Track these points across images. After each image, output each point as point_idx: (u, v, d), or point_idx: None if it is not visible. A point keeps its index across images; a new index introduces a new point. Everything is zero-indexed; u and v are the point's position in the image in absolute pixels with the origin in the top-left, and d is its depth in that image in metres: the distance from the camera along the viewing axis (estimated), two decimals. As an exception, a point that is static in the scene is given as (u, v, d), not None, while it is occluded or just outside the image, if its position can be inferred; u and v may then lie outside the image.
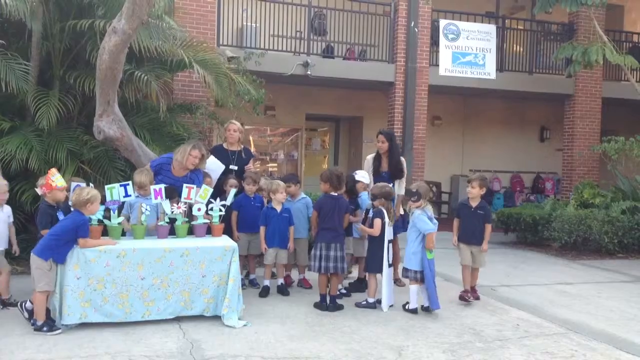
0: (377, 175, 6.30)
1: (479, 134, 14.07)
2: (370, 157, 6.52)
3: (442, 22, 11.04)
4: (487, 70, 11.25)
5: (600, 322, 5.24)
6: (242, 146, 6.57)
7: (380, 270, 5.42)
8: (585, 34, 11.92)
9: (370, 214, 5.51)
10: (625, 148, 9.85)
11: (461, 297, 5.73)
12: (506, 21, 12.54)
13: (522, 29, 12.60)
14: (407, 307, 5.34)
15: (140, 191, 5.33)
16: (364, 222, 5.58)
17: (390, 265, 5.55)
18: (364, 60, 11.48)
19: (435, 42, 11.18)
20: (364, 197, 5.96)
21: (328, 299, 5.31)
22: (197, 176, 5.66)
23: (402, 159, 6.50)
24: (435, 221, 5.41)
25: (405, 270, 5.41)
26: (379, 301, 5.41)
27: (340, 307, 5.31)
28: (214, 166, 6.10)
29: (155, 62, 7.20)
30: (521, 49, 12.49)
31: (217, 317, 4.80)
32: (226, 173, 6.20)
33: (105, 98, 6.22)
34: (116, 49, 5.87)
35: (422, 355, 4.21)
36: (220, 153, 6.39)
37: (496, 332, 4.86)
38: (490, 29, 11.44)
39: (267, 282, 5.86)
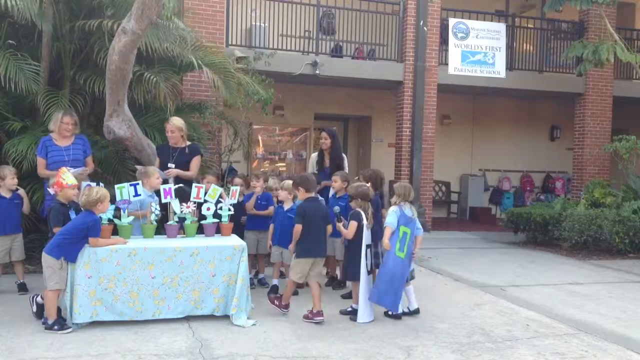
0: (321, 171, 6.76)
1: (489, 133, 14.00)
2: (314, 155, 7.10)
3: (452, 21, 11.00)
4: (497, 69, 11.20)
5: (611, 323, 5.19)
6: (189, 143, 6.24)
7: (358, 278, 5.04)
8: (595, 32, 11.82)
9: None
10: (637, 147, 9.76)
11: None
12: (516, 20, 12.46)
13: (532, 27, 12.51)
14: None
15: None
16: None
17: (369, 272, 5.14)
18: (373, 59, 11.46)
19: (444, 41, 11.14)
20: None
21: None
22: (83, 142, 5.99)
23: (344, 155, 6.96)
24: (418, 224, 5.18)
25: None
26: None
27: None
28: (163, 175, 5.84)
29: (164, 63, 7.23)
30: (531, 48, 12.41)
31: (226, 317, 4.82)
32: (166, 169, 5.98)
33: (115, 98, 6.26)
34: (126, 50, 5.91)
35: (432, 355, 4.21)
36: (162, 150, 6.18)
37: (506, 332, 4.83)
38: (500, 27, 11.39)
39: (275, 282, 5.87)
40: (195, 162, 6.13)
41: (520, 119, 14.21)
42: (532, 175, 14.42)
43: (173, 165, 5.99)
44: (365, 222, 5.07)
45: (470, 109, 13.93)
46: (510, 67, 11.68)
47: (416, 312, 5.18)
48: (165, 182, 5.59)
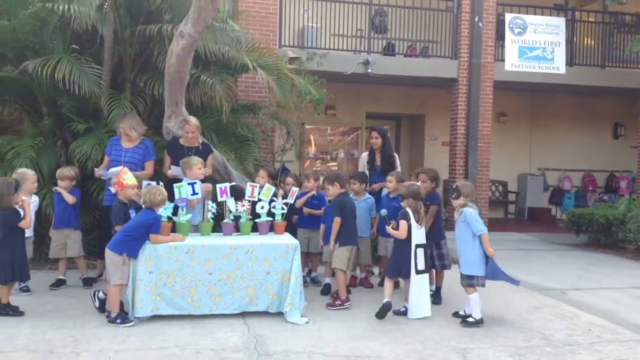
0: (372, 170, 6.73)
1: (548, 131, 13.55)
2: (365, 154, 7.06)
3: (508, 16, 10.71)
4: (556, 65, 10.83)
5: (681, 330, 4.93)
6: (201, 140, 6.30)
7: (396, 275, 5.11)
8: (662, 24, 11.24)
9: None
10: None
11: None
12: (576, 13, 12.02)
13: (594, 21, 12.03)
14: (468, 318, 4.87)
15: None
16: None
17: (420, 272, 5.03)
18: (426, 57, 11.32)
19: (500, 37, 10.87)
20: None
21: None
22: (145, 147, 6.04)
23: (395, 155, 6.90)
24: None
25: (468, 277, 4.90)
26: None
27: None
28: (177, 171, 5.92)
29: (220, 65, 7.38)
30: (592, 42, 11.93)
31: (280, 314, 4.88)
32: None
33: (173, 100, 6.45)
34: (183, 53, 6.08)
35: (488, 359, 4.11)
36: (176, 148, 6.13)
37: (566, 336, 4.67)
38: (559, 21, 11.01)
39: (328, 280, 5.90)
40: (210, 161, 6.30)
41: (581, 116, 13.67)
42: (594, 175, 13.87)
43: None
44: (414, 221, 5.00)
45: (528, 106, 13.52)
46: (570, 62, 11.27)
47: (481, 322, 4.93)
48: (178, 180, 5.63)
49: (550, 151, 13.60)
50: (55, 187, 5.80)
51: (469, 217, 4.87)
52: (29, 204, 5.08)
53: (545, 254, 8.85)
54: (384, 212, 5.20)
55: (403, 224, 4.98)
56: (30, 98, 7.15)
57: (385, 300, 4.93)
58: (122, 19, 7.08)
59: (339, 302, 5.26)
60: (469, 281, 4.90)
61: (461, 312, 5.07)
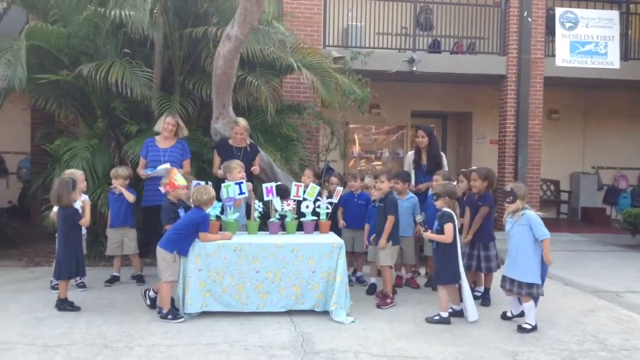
0: (417, 169, 6.70)
1: (602, 128, 13.05)
2: (410, 153, 6.98)
3: (558, 11, 10.39)
4: (610, 60, 10.41)
5: None
6: (249, 141, 6.47)
7: (453, 281, 4.88)
8: None
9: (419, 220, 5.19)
10: None
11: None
12: (631, 6, 11.52)
13: (651, 12, 11.50)
14: (524, 325, 4.67)
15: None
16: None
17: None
18: (473, 53, 11.11)
19: (550, 32, 10.55)
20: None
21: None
22: (182, 146, 6.25)
23: (442, 154, 6.80)
24: None
25: (528, 286, 4.63)
26: (453, 314, 4.94)
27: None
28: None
29: (265, 66, 7.47)
30: (649, 35, 11.41)
31: (325, 313, 4.90)
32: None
33: (221, 102, 6.58)
34: (230, 55, 6.19)
35: (539, 362, 4.02)
36: (225, 148, 6.33)
37: (622, 341, 4.50)
38: (613, 15, 10.57)
39: (373, 280, 5.88)
40: (258, 160, 6.46)
41: (637, 112, 13.10)
42: (652, 173, 13.26)
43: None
44: (456, 222, 4.88)
45: (581, 103, 13.07)
46: (625, 57, 10.82)
47: (521, 315, 4.89)
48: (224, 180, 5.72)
49: (604, 149, 13.10)
50: (114, 187, 5.94)
51: (533, 221, 4.65)
52: (88, 203, 5.29)
53: (600, 255, 8.54)
54: (419, 218, 5.17)
55: (449, 227, 4.78)
56: (85, 101, 7.44)
57: (443, 314, 4.84)
58: (172, 23, 7.27)
59: (390, 300, 5.26)
60: (529, 290, 4.63)
61: (508, 314, 4.97)
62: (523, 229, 4.68)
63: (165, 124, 6.17)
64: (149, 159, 6.12)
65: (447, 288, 4.89)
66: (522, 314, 4.84)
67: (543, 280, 4.73)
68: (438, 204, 4.94)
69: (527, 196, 4.81)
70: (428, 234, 4.97)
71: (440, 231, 4.84)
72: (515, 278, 4.70)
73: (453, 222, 4.81)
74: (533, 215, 4.69)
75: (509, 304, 4.99)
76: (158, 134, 6.23)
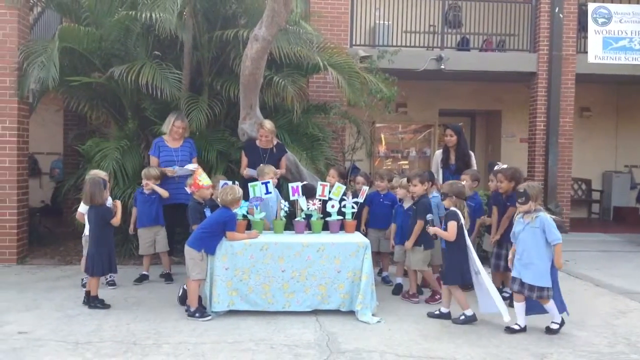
0: (445, 168, 6.67)
1: (635, 126, 12.69)
2: (438, 152, 6.95)
3: (591, 6, 10.14)
4: (645, 56, 10.13)
5: None
6: (276, 142, 6.57)
7: (460, 282, 4.83)
8: None
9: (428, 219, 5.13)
10: None
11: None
12: (668, -1, 11.17)
13: (688, 6, 11.12)
14: (551, 325, 4.61)
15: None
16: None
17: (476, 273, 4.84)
18: (503, 50, 10.94)
19: (582, 28, 10.31)
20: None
21: None
22: (190, 145, 6.48)
23: (471, 152, 6.76)
24: None
25: (539, 289, 4.51)
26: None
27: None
28: (252, 172, 6.17)
29: (291, 66, 7.50)
30: (687, 30, 11.03)
31: (351, 312, 4.91)
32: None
33: (248, 102, 6.64)
34: (257, 56, 6.24)
35: (568, 365, 3.95)
36: (252, 149, 6.45)
37: (656, 345, 4.39)
38: (648, 9, 10.28)
39: (399, 280, 5.86)
40: (284, 161, 6.55)
41: (674, 109, 12.72)
42: (690, 172, 12.85)
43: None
44: (463, 221, 4.82)
45: (614, 100, 12.74)
46: (661, 52, 10.50)
47: (524, 330, 4.67)
48: (254, 179, 5.83)
49: (638, 147, 12.74)
50: (147, 186, 6.00)
51: (547, 224, 4.52)
52: (119, 203, 5.41)
53: (632, 255, 8.33)
54: (429, 217, 5.14)
55: (452, 224, 4.78)
56: (116, 102, 7.60)
57: (468, 312, 4.82)
58: (200, 25, 7.36)
59: (439, 297, 5.32)
60: (540, 293, 4.52)
61: (515, 327, 4.70)
62: (536, 231, 4.54)
63: (175, 127, 6.36)
64: (161, 159, 6.30)
65: (451, 287, 4.89)
66: (525, 329, 4.64)
67: (554, 284, 4.61)
68: (446, 203, 4.99)
69: (540, 197, 4.66)
70: (432, 229, 5.03)
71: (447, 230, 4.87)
72: (527, 281, 4.57)
73: (458, 220, 4.79)
74: (548, 218, 4.56)
75: (517, 315, 4.69)
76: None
